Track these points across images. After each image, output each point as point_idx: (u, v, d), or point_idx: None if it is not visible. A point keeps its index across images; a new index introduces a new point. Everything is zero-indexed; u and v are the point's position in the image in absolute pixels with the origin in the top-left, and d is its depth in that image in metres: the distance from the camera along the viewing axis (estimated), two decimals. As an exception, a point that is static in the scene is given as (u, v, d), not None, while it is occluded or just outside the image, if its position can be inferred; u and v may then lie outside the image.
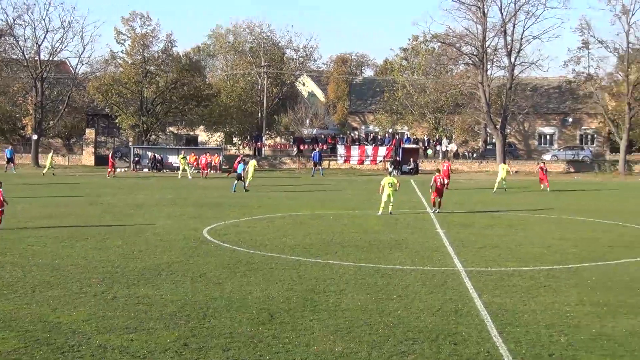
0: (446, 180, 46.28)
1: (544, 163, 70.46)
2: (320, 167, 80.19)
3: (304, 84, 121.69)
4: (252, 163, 57.89)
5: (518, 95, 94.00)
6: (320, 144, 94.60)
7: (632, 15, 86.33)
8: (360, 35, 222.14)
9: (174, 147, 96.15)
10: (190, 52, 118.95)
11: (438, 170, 43.49)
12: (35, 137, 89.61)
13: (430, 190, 41.46)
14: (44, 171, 70.74)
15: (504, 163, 67.86)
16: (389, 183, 39.53)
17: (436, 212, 39.94)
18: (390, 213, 38.96)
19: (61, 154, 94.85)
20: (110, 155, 74.70)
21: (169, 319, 17.08)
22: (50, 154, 75.71)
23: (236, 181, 53.59)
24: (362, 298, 19.42)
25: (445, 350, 15.07)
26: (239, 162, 54.99)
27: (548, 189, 57.83)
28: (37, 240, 28.50)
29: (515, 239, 30.98)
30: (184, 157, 73.88)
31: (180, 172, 72.02)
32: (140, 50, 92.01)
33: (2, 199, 31.43)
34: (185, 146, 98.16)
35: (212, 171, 76.70)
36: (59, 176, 69.62)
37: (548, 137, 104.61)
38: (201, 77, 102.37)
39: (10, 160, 78.68)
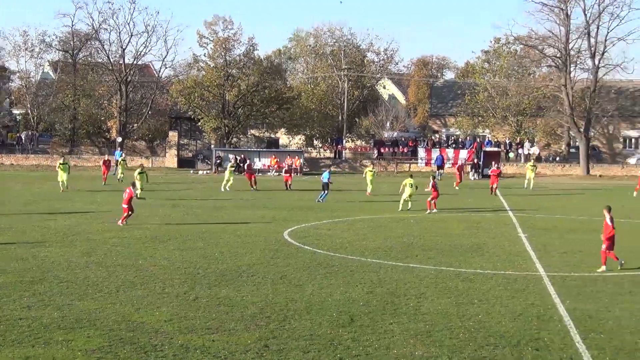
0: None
1: None
2: (441, 172, 79.20)
3: (384, 87, 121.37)
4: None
5: (602, 97, 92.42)
6: (401, 147, 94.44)
7: None
8: (441, 38, 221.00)
9: (255, 149, 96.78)
10: (272, 55, 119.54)
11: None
12: (119, 139, 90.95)
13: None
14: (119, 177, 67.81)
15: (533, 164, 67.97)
16: (409, 184, 42.11)
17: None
18: (408, 209, 41.75)
19: (145, 156, 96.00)
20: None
21: (249, 320, 17.22)
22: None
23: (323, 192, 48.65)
24: (443, 302, 19.33)
25: (527, 356, 14.93)
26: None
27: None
28: (121, 241, 28.98)
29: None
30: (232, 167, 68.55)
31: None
32: (223, 53, 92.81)
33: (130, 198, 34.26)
34: (266, 149, 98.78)
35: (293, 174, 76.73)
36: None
37: (633, 140, 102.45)
38: (282, 80, 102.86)
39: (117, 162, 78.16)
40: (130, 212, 34.29)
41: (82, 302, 18.76)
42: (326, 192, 48.49)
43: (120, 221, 33.98)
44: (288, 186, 58.14)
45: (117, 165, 72.31)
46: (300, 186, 61.21)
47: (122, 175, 61.89)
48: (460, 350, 15.23)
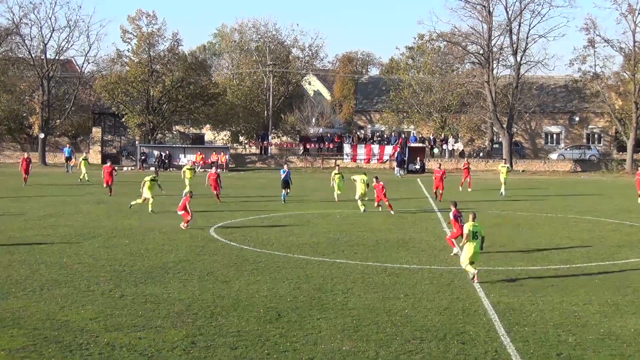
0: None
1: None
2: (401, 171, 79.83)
3: (310, 83, 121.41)
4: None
5: (524, 94, 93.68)
6: (327, 143, 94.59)
7: (638, 14, 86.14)
8: (366, 34, 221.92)
9: (180, 145, 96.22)
10: (196, 51, 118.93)
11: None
12: (42, 135, 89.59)
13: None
14: (81, 177, 65.51)
15: (505, 163, 60.23)
16: (362, 180, 40.19)
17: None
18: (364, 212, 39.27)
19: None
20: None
21: (176, 317, 17.12)
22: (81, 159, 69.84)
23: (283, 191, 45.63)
24: (370, 297, 19.43)
25: (452, 350, 15.07)
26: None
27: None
28: (44, 239, 28.56)
29: (522, 238, 30.95)
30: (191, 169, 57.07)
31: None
32: (147, 49, 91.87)
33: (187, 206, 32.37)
34: (191, 145, 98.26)
35: (218, 169, 76.39)
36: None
37: (555, 135, 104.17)
38: (207, 76, 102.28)
39: (68, 159, 77.15)
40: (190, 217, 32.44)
41: (5, 301, 18.45)
42: (288, 190, 45.42)
43: (184, 224, 32.30)
44: (217, 196, 45.82)
45: (67, 162, 72.05)
46: (226, 183, 60.90)
47: (85, 175, 60.43)
48: (387, 344, 15.34)
